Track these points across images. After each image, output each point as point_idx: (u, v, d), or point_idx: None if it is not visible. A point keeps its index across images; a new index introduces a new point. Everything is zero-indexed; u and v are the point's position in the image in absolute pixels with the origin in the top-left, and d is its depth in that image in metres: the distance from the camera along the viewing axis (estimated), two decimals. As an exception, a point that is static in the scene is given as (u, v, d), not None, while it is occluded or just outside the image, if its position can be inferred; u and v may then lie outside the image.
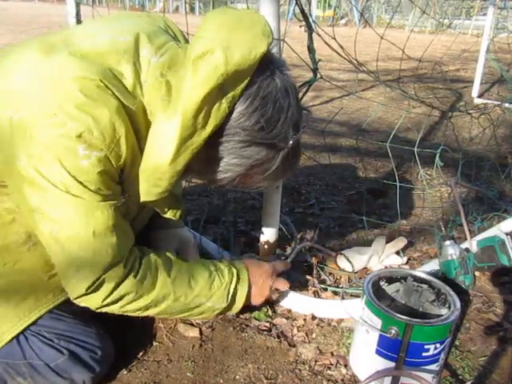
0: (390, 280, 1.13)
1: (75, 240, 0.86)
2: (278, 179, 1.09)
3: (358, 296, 1.34)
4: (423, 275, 1.13)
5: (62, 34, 0.91)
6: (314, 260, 1.46)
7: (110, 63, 0.84)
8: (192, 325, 1.22)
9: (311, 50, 1.14)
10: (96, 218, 0.86)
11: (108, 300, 0.92)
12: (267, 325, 1.23)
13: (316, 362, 1.11)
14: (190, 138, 0.81)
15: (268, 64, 0.83)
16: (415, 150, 1.38)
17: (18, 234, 0.95)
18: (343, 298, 1.30)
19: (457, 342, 1.19)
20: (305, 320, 1.25)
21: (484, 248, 1.38)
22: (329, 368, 1.10)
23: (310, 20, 1.13)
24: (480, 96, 4.08)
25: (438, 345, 0.97)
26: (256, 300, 1.15)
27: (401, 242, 1.58)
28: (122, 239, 0.91)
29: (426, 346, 0.96)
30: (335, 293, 1.36)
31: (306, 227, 1.76)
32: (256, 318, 1.25)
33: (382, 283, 1.12)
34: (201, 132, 0.81)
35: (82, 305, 0.93)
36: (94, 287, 0.89)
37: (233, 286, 1.08)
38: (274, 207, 1.28)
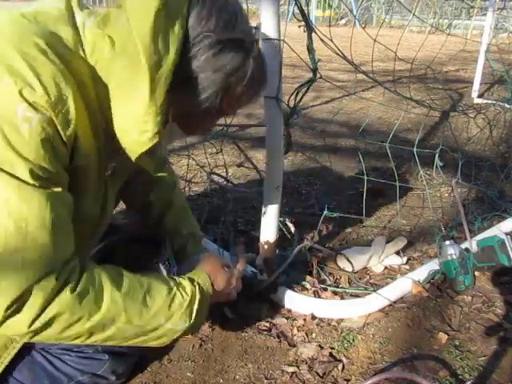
0: None
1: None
2: (256, 93, 0.92)
3: (358, 296, 1.35)
4: None
5: None
6: (313, 260, 1.46)
7: (47, 26, 0.75)
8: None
9: (311, 50, 1.14)
10: (30, 207, 0.67)
11: (37, 323, 0.70)
12: (267, 325, 1.23)
13: (316, 361, 1.12)
14: (159, 69, 0.74)
15: None
16: (414, 150, 1.38)
17: None
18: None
19: (457, 342, 1.19)
20: (305, 320, 1.26)
21: (484, 248, 1.38)
22: (328, 367, 1.10)
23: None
24: (480, 96, 4.08)
25: None
26: (217, 301, 1.00)
27: (401, 242, 1.58)
28: (60, 242, 0.72)
29: None
30: (335, 293, 1.36)
31: (305, 227, 1.76)
32: (256, 318, 1.25)
33: None
34: (166, 58, 0.75)
35: (4, 332, 0.70)
36: (17, 306, 0.68)
37: (197, 303, 0.88)
38: (273, 207, 1.28)
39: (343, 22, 14.10)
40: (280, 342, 1.18)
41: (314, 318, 1.26)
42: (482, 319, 1.28)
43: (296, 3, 1.11)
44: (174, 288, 0.87)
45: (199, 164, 2.15)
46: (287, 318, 1.26)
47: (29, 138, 0.66)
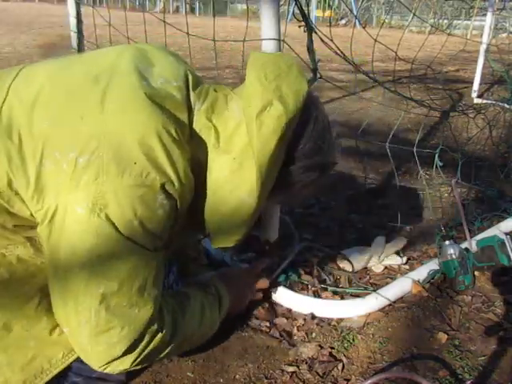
0: None
1: (122, 296, 0.79)
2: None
3: (358, 296, 1.35)
4: None
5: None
6: (314, 260, 1.46)
7: (170, 109, 0.83)
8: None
9: (311, 50, 1.14)
10: (149, 269, 0.82)
11: (138, 360, 0.84)
12: (267, 325, 1.23)
13: (316, 361, 1.12)
14: (265, 183, 0.86)
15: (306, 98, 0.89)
16: (414, 150, 1.38)
17: (31, 289, 0.86)
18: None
19: (456, 342, 1.19)
20: (305, 320, 1.26)
21: (484, 248, 1.38)
22: (328, 367, 1.10)
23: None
24: (480, 96, 4.09)
25: None
26: (235, 310, 1.17)
27: (401, 242, 1.58)
28: (160, 290, 0.86)
29: None
30: (335, 293, 1.36)
31: (305, 227, 1.76)
32: (256, 318, 1.25)
33: None
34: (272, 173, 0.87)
35: (106, 371, 0.84)
36: (131, 347, 0.82)
37: (221, 314, 1.09)
38: (274, 207, 1.28)
39: (343, 22, 14.11)
40: (280, 341, 1.18)
41: (314, 317, 1.26)
42: (482, 319, 1.28)
43: (296, 3, 1.12)
44: (207, 308, 1.03)
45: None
46: (287, 318, 1.26)
47: (163, 222, 0.81)
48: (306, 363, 1.11)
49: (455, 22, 11.42)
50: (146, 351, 0.85)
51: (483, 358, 1.14)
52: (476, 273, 1.42)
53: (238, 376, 1.07)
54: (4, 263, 0.84)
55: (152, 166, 0.77)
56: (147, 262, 0.82)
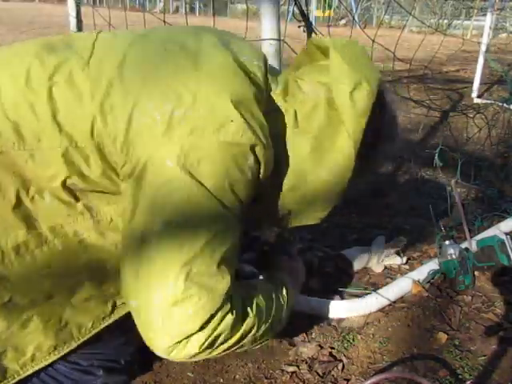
0: None
1: (203, 263, 0.74)
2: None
3: (357, 296, 1.35)
4: None
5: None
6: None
7: (255, 84, 0.85)
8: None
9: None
10: (232, 238, 0.78)
11: (206, 343, 0.76)
12: (267, 324, 1.23)
13: (316, 361, 1.12)
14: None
15: None
16: (414, 150, 1.38)
17: (79, 264, 0.83)
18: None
19: (456, 342, 1.19)
20: (305, 319, 1.26)
21: (484, 248, 1.38)
22: (328, 367, 1.10)
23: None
24: (480, 96, 4.08)
25: None
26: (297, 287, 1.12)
27: (401, 242, 1.58)
28: (234, 267, 0.81)
29: None
30: (335, 293, 1.36)
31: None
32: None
33: None
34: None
35: (171, 355, 0.76)
36: (204, 323, 0.74)
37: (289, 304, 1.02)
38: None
39: (343, 22, 14.10)
40: (280, 341, 1.18)
41: (313, 317, 1.26)
42: (482, 319, 1.28)
43: (296, 3, 1.12)
44: (282, 291, 0.97)
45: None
46: (287, 318, 1.26)
47: (248, 187, 0.79)
48: (306, 363, 1.11)
49: (455, 22, 11.43)
50: (215, 332, 0.76)
51: (483, 357, 1.14)
52: (476, 273, 1.42)
53: (237, 376, 1.07)
54: (60, 234, 0.81)
55: (247, 126, 0.77)
56: (231, 228, 0.79)
